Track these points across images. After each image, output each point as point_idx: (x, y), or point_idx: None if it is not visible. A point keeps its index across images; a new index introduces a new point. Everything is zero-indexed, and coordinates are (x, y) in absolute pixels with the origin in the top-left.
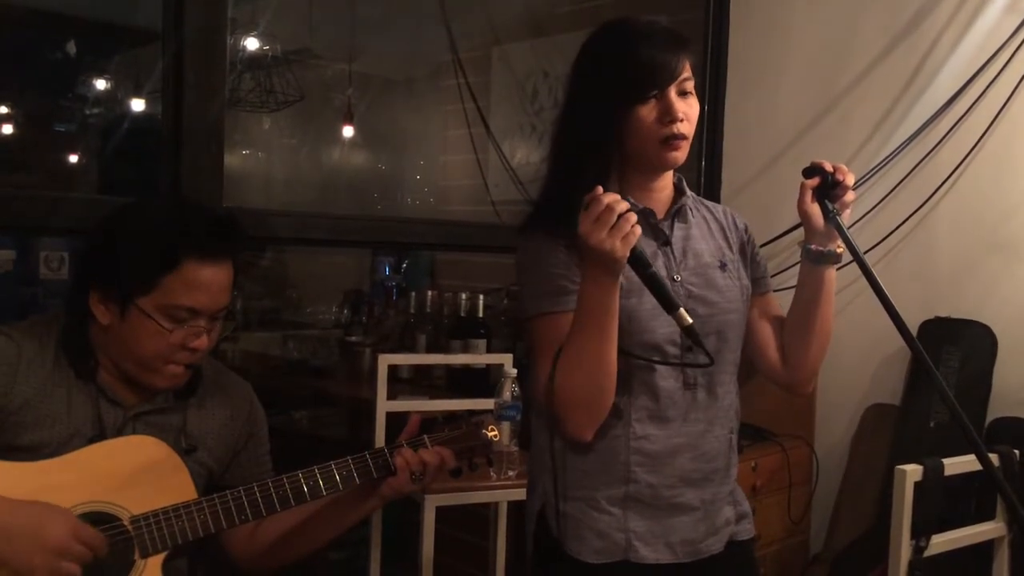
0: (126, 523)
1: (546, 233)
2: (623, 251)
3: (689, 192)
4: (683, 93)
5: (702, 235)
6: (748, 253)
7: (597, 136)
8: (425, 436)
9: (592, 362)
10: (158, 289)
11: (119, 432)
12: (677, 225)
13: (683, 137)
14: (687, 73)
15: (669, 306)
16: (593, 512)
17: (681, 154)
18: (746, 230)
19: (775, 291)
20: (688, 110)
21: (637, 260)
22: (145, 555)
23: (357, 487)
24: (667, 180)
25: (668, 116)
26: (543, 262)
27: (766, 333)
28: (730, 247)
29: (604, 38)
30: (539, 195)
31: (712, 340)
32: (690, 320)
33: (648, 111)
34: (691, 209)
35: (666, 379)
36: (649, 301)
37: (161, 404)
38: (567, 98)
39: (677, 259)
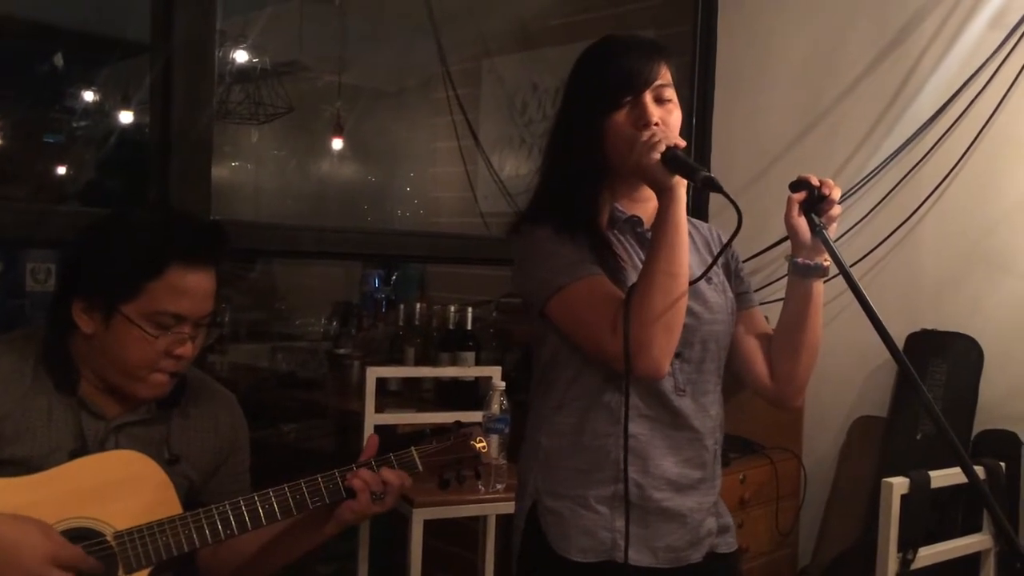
0: (110, 539)
1: (554, 224)
2: (649, 159)
3: None
4: (660, 100)
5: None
6: (732, 268)
7: (582, 147)
8: (413, 449)
9: (667, 279)
10: (143, 295)
11: (101, 444)
12: None
13: None
14: (663, 80)
15: (691, 172)
16: (581, 510)
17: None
18: (740, 222)
19: (762, 304)
20: (666, 116)
21: (666, 161)
22: (129, 571)
23: (322, 509)
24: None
25: (642, 120)
26: (556, 245)
27: (752, 348)
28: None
29: (587, 53)
30: (534, 198)
31: (697, 350)
32: (709, 173)
33: (623, 116)
34: None
35: (659, 382)
36: None
37: (144, 415)
38: (558, 111)
39: None
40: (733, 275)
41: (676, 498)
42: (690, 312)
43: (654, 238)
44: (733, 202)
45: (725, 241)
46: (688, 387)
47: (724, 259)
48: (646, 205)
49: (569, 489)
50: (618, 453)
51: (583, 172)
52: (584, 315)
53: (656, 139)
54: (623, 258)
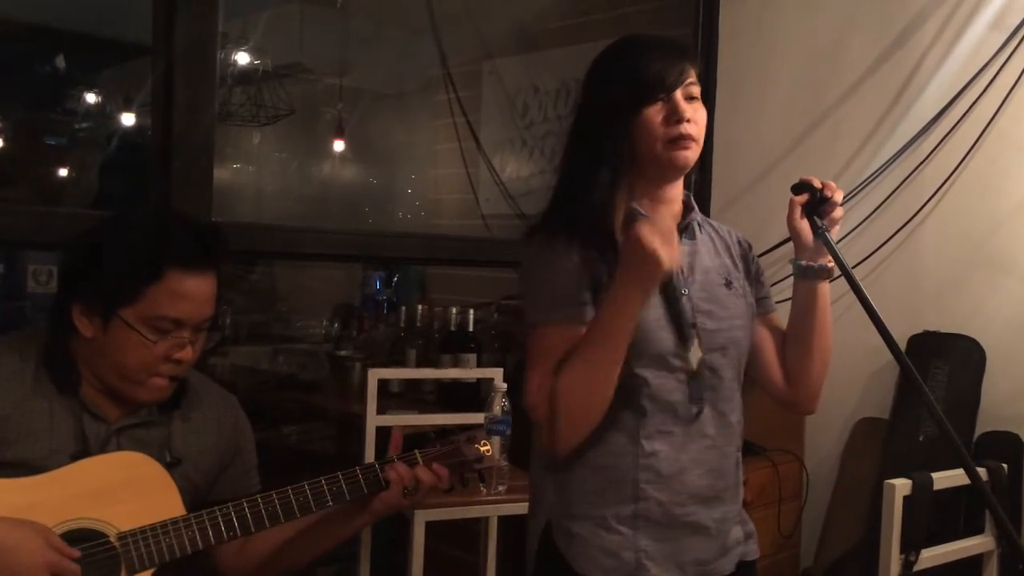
0: (113, 540)
1: (562, 240)
2: (672, 262)
3: (697, 210)
4: (689, 98)
5: (708, 252)
6: (752, 273)
7: (608, 142)
8: (417, 452)
9: (598, 381)
10: (141, 300)
11: (103, 447)
12: (685, 241)
13: (691, 137)
14: (693, 79)
15: (683, 336)
16: (602, 531)
17: (691, 153)
18: (750, 249)
19: None
20: (695, 114)
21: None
22: (132, 572)
23: (348, 502)
24: (676, 192)
25: (675, 116)
26: (554, 270)
27: (770, 353)
28: (735, 266)
29: (614, 50)
30: (550, 202)
31: (717, 356)
32: (694, 366)
33: (655, 113)
34: (699, 226)
35: (672, 393)
36: (654, 313)
37: (145, 418)
38: (579, 108)
39: (684, 274)
40: (754, 280)
41: (701, 511)
42: (711, 317)
43: (601, 337)
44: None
45: (743, 242)
46: (708, 394)
47: (745, 263)
48: (668, 208)
49: (588, 510)
50: (636, 472)
51: (606, 167)
52: (533, 359)
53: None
54: None
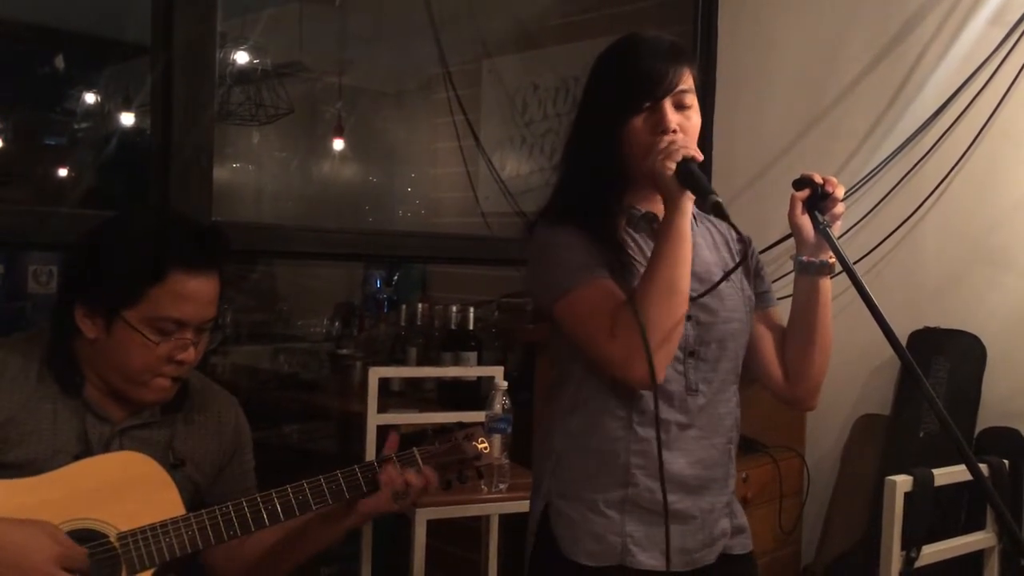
0: (113, 540)
1: (568, 225)
2: (663, 167)
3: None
4: (680, 106)
5: (706, 245)
6: (752, 267)
7: (601, 147)
8: (415, 450)
9: (666, 293)
10: (144, 301)
11: (106, 447)
12: None
13: None
14: (685, 85)
15: (702, 192)
16: (591, 514)
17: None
18: (749, 243)
19: None
20: (684, 122)
21: (680, 174)
22: (132, 572)
23: (344, 502)
24: None
25: (660, 127)
26: (568, 245)
27: (770, 348)
28: (733, 259)
29: (610, 50)
30: (551, 198)
31: (713, 349)
32: (720, 199)
33: (641, 122)
34: (695, 219)
35: (670, 383)
36: None
37: (148, 419)
38: (577, 110)
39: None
40: (753, 274)
41: (687, 500)
42: (706, 310)
43: (656, 249)
44: (737, 230)
45: (742, 239)
46: (703, 386)
47: (743, 256)
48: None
49: (579, 492)
50: (627, 457)
51: (600, 174)
52: (585, 319)
53: (674, 148)
54: (636, 258)
